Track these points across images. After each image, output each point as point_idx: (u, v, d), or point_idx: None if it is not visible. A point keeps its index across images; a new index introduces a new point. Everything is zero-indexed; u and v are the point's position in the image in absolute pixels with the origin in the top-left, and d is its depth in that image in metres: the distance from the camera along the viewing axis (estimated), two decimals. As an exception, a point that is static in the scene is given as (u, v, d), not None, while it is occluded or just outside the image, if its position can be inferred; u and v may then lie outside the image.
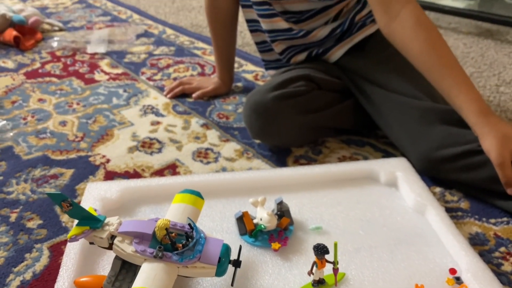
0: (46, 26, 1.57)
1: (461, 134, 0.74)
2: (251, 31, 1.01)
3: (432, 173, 0.78)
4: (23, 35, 1.44)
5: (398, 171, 0.74)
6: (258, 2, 0.90)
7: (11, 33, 1.42)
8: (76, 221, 0.56)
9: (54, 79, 1.21)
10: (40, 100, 1.10)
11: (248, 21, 0.99)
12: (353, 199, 0.72)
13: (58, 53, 1.38)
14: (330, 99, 0.88)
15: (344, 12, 0.92)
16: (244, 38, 1.45)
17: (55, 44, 1.41)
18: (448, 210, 0.73)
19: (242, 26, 1.01)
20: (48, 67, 1.29)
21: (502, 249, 0.66)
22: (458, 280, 0.57)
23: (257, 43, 1.03)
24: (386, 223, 0.67)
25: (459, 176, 0.74)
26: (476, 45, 1.40)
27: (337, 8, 0.91)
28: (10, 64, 1.31)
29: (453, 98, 0.73)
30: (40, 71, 1.26)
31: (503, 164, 0.67)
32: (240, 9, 1.00)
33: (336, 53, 0.93)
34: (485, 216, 0.72)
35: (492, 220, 0.71)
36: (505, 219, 0.71)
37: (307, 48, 0.96)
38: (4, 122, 0.98)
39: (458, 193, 0.77)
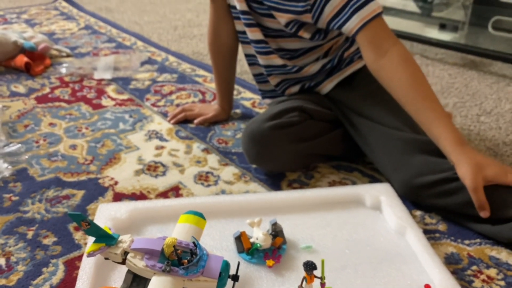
0: (54, 52, 1.66)
1: (438, 163, 0.82)
2: (249, 64, 1.10)
3: (413, 198, 0.85)
4: (33, 61, 1.52)
5: (382, 196, 0.82)
6: (256, 40, 0.99)
7: (22, 59, 1.50)
8: (91, 239, 0.63)
9: (63, 104, 1.29)
10: (51, 124, 1.18)
11: (247, 55, 1.08)
12: (341, 221, 0.79)
13: (67, 79, 1.46)
14: (321, 128, 0.96)
15: (333, 49, 1.01)
16: (243, 67, 1.54)
17: (63, 70, 1.49)
18: (427, 232, 0.80)
19: (241, 55, 1.10)
20: (57, 92, 1.37)
21: (474, 267, 0.73)
22: (432, 294, 0.64)
23: (254, 75, 1.12)
24: (370, 243, 0.75)
25: (437, 201, 0.82)
26: (460, 76, 1.49)
27: (327, 46, 1.00)
28: (21, 89, 1.39)
29: (431, 129, 0.81)
30: (50, 96, 1.34)
31: (477, 189, 0.75)
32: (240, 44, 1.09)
33: (327, 86, 1.02)
34: (460, 237, 0.79)
35: (466, 241, 0.78)
36: (478, 240, 0.78)
37: (300, 81, 1.04)
38: (19, 145, 1.05)
39: (436, 216, 0.84)
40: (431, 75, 1.50)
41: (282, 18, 0.92)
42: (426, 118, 0.82)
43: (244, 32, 1.01)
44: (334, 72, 1.02)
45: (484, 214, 0.76)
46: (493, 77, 1.48)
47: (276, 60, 1.00)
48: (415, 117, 0.84)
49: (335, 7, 0.86)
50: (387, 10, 2.13)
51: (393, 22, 1.97)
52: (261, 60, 1.02)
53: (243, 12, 0.97)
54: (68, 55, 1.67)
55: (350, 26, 0.86)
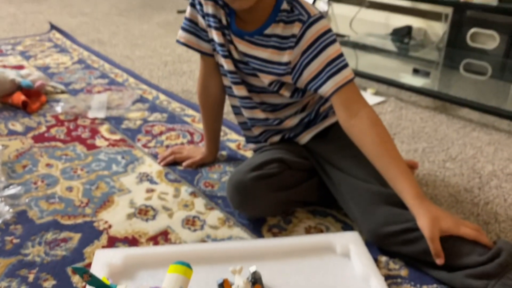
0: (49, 89, 1.74)
1: (402, 214, 0.92)
2: (235, 113, 1.20)
3: (379, 245, 0.95)
4: (29, 98, 1.61)
5: (351, 244, 0.92)
6: (241, 96, 1.09)
7: (19, 97, 1.58)
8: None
9: (59, 144, 1.37)
10: (48, 165, 1.26)
11: (233, 106, 1.18)
12: (313, 267, 0.89)
13: (62, 117, 1.54)
14: (298, 177, 1.06)
15: (310, 104, 1.12)
16: (229, 107, 1.64)
17: (59, 109, 1.57)
18: (390, 277, 0.90)
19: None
20: (53, 131, 1.45)
21: (430, 312, 0.83)
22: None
23: (239, 123, 1.22)
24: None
25: (401, 249, 0.92)
26: (431, 120, 1.61)
27: (304, 101, 1.11)
28: (18, 127, 1.47)
29: (395, 184, 0.92)
30: (46, 135, 1.42)
31: (433, 239, 0.85)
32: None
33: (305, 138, 1.12)
34: (419, 282, 0.89)
35: (424, 286, 0.88)
36: (434, 285, 0.88)
37: (280, 131, 1.14)
38: (19, 187, 1.13)
39: (400, 262, 0.94)
40: (404, 119, 1.61)
41: (266, 79, 1.03)
42: (391, 174, 0.92)
43: (230, 87, 1.11)
44: (311, 125, 1.13)
45: (440, 261, 0.85)
46: (461, 122, 1.60)
47: (259, 114, 1.11)
48: (381, 172, 0.94)
49: (312, 72, 0.97)
50: (367, 48, 2.27)
51: (371, 61, 2.11)
52: (245, 113, 1.12)
53: (230, 72, 1.07)
54: (62, 92, 1.75)
55: (325, 89, 0.97)
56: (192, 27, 1.08)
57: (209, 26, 1.04)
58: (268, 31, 0.99)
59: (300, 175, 1.07)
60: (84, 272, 0.69)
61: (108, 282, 0.71)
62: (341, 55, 0.96)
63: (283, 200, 1.04)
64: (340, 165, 1.04)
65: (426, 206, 0.88)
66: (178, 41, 1.11)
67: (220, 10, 1.02)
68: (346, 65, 0.96)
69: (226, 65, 1.06)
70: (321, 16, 0.97)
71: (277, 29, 0.98)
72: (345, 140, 1.03)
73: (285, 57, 0.99)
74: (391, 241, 0.93)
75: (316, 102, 1.12)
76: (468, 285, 0.83)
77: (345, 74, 0.96)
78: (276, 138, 1.15)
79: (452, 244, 0.85)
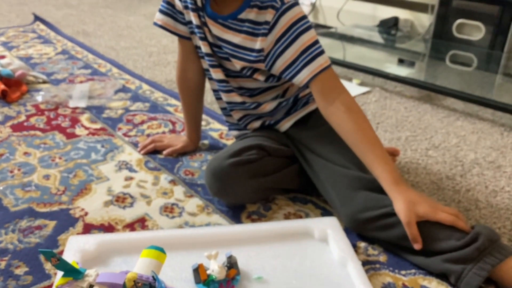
0: (31, 78, 1.71)
1: (380, 199, 0.91)
2: (216, 98, 1.18)
3: (358, 230, 0.94)
4: (9, 87, 1.58)
5: (329, 229, 0.91)
6: (218, 79, 1.08)
7: (-1, 86, 1.56)
8: (60, 272, 0.69)
9: (38, 133, 1.35)
10: (25, 153, 1.24)
11: (214, 90, 1.16)
12: (291, 252, 0.88)
13: (42, 106, 1.52)
14: (278, 164, 1.05)
15: (289, 90, 1.11)
16: (212, 97, 1.62)
17: (39, 98, 1.55)
18: (369, 263, 0.89)
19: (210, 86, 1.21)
20: (32, 120, 1.42)
21: (407, 296, 0.82)
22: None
23: (221, 108, 1.20)
24: (314, 273, 0.83)
25: (379, 234, 0.91)
26: (415, 109, 1.61)
27: (283, 87, 1.10)
28: (-3, 116, 1.44)
29: (373, 169, 0.91)
30: (25, 124, 1.40)
31: (410, 224, 0.84)
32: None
33: (285, 124, 1.11)
34: (397, 268, 0.88)
35: (403, 272, 0.87)
36: (413, 271, 0.88)
37: (260, 117, 1.13)
38: (-6, 175, 1.11)
39: (378, 248, 0.93)
40: (388, 108, 1.61)
41: (238, 64, 1.02)
42: (369, 159, 0.92)
43: (208, 70, 1.10)
44: (291, 112, 1.11)
45: (417, 246, 0.85)
46: (445, 111, 1.60)
47: (236, 98, 1.09)
48: (360, 158, 0.93)
49: (286, 60, 0.96)
50: (354, 40, 2.26)
51: (358, 52, 2.10)
52: (223, 97, 1.11)
53: (207, 54, 1.05)
54: (44, 82, 1.73)
55: (301, 78, 0.96)
56: (170, 10, 1.06)
57: (186, 7, 1.03)
58: (242, 15, 0.97)
59: (279, 162, 1.06)
60: (52, 256, 0.67)
61: (77, 267, 0.69)
62: (316, 42, 0.95)
63: (262, 187, 1.03)
64: (319, 152, 1.03)
65: (403, 190, 0.87)
66: (155, 24, 1.10)
67: None
68: (321, 52, 0.95)
69: (203, 47, 1.05)
70: (295, 2, 0.95)
71: (250, 14, 0.96)
72: (325, 127, 1.01)
73: (258, 43, 0.97)
74: (370, 227, 0.92)
75: (296, 88, 1.11)
76: (446, 269, 0.83)
77: (320, 62, 0.94)
78: (257, 124, 1.14)
79: (429, 229, 0.85)
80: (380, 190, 0.91)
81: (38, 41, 2.25)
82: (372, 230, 0.92)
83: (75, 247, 0.84)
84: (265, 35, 0.96)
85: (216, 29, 1.01)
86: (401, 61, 1.93)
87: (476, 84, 1.76)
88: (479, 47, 2.02)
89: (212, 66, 1.07)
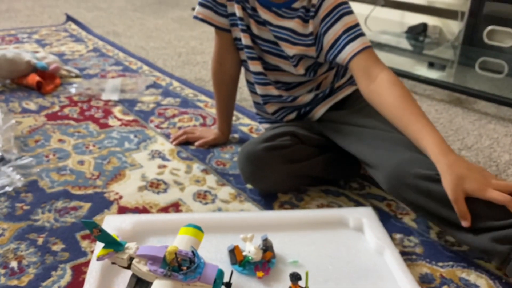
0: (64, 72, 1.75)
1: (426, 160, 0.85)
2: (251, 91, 1.19)
3: (398, 189, 0.88)
4: (44, 80, 1.61)
5: (364, 218, 0.90)
6: (256, 72, 1.08)
7: (34, 78, 1.59)
8: (99, 245, 0.70)
9: (72, 122, 1.37)
10: (60, 140, 1.26)
11: (249, 83, 1.17)
12: (325, 240, 0.87)
13: (75, 98, 1.55)
14: (310, 152, 1.05)
15: (323, 83, 1.12)
16: (242, 94, 1.63)
17: (73, 90, 1.58)
18: (405, 254, 0.87)
19: (241, 83, 1.21)
20: (66, 110, 1.45)
21: (445, 287, 0.80)
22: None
23: (254, 102, 1.21)
24: (350, 260, 0.82)
25: (418, 198, 0.85)
26: (446, 112, 1.59)
27: (318, 80, 1.10)
28: (32, 106, 1.47)
29: (419, 141, 0.86)
30: (59, 114, 1.43)
31: (457, 200, 0.78)
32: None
33: (320, 110, 1.12)
34: (434, 260, 0.87)
35: (440, 264, 0.86)
36: (450, 263, 0.86)
37: (295, 109, 1.13)
38: (30, 158, 1.13)
39: (415, 239, 0.92)
40: (418, 110, 1.59)
41: (291, 49, 1.03)
42: (413, 131, 0.86)
43: (246, 61, 1.11)
44: (326, 98, 1.12)
45: (465, 223, 0.79)
46: (476, 115, 1.58)
47: (273, 91, 1.10)
48: (404, 132, 0.89)
49: (330, 39, 0.98)
50: (382, 46, 2.26)
51: (386, 58, 2.09)
52: (259, 90, 1.11)
53: (247, 46, 1.06)
54: (77, 76, 1.76)
55: (343, 56, 0.96)
56: (210, 2, 1.08)
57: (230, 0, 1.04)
58: (295, 4, 1.00)
59: (311, 150, 1.06)
60: (94, 227, 0.67)
61: (118, 239, 0.70)
62: (357, 24, 0.97)
63: (294, 173, 1.03)
64: (361, 123, 1.02)
65: (452, 162, 0.80)
66: (196, 17, 1.11)
67: None
68: (363, 33, 0.97)
69: (244, 39, 1.06)
70: None
71: (303, 1, 1.00)
72: (364, 104, 1.02)
73: (309, 27, 1.00)
74: (412, 185, 0.85)
75: (330, 81, 1.11)
76: (491, 249, 0.78)
77: (363, 41, 0.96)
78: (292, 115, 1.14)
79: (476, 205, 0.78)
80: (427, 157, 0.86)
81: (70, 39, 2.30)
82: (413, 191, 0.85)
83: (112, 226, 0.85)
84: (313, 17, 0.99)
85: (269, 16, 1.02)
86: (431, 65, 1.92)
87: (507, 89, 1.74)
88: (510, 53, 2.00)
89: (251, 58, 1.08)
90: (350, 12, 0.97)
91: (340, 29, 0.96)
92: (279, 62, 1.07)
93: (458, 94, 1.71)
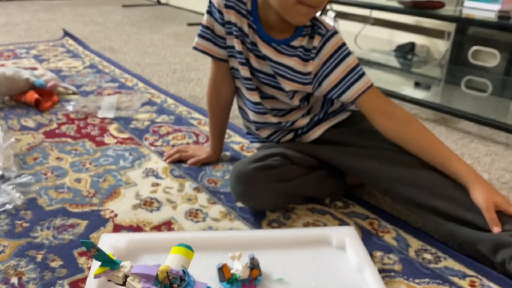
0: (61, 89, 1.80)
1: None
2: (243, 117, 1.24)
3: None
4: (42, 97, 1.66)
5: (347, 237, 0.95)
6: (254, 102, 1.13)
7: (32, 96, 1.64)
8: (95, 263, 0.75)
9: (69, 140, 1.42)
10: (58, 158, 1.31)
11: (241, 108, 1.23)
12: (309, 258, 0.92)
13: (72, 116, 1.60)
14: (299, 172, 1.10)
15: (314, 107, 1.18)
16: (234, 111, 1.67)
17: (70, 108, 1.63)
18: (385, 271, 0.93)
19: (234, 101, 1.27)
20: (64, 128, 1.50)
21: (420, 303, 0.86)
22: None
23: (246, 126, 1.26)
24: (333, 277, 0.87)
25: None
26: (431, 130, 1.65)
27: (306, 107, 1.16)
28: (31, 123, 1.52)
29: (448, 167, 0.99)
30: (57, 131, 1.47)
31: (489, 208, 0.91)
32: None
33: (317, 132, 1.17)
34: (412, 277, 0.92)
35: (417, 280, 0.91)
36: (426, 279, 0.91)
37: (292, 130, 1.19)
38: (30, 177, 1.18)
39: (394, 257, 0.97)
40: (404, 129, 1.65)
41: (288, 86, 1.08)
42: (441, 160, 1.00)
43: (240, 89, 1.16)
44: (323, 120, 1.18)
45: (497, 229, 0.91)
46: (459, 134, 1.64)
47: (271, 119, 1.15)
48: (432, 162, 1.01)
49: (333, 80, 1.06)
50: (371, 64, 2.33)
51: (375, 76, 2.16)
52: (256, 118, 1.16)
53: (245, 78, 1.11)
54: (74, 93, 1.81)
55: (349, 95, 1.05)
56: (209, 34, 1.12)
57: (230, 33, 1.09)
58: (294, 43, 1.06)
59: (301, 170, 1.10)
60: (92, 246, 0.72)
61: (114, 258, 0.75)
62: (358, 64, 1.05)
63: (283, 192, 1.08)
64: (365, 144, 1.10)
65: (482, 180, 0.96)
66: (195, 48, 1.15)
67: (243, 19, 1.07)
68: (364, 73, 1.05)
69: (243, 71, 1.10)
70: (336, 31, 1.06)
71: (303, 41, 1.06)
72: (363, 124, 1.12)
73: (308, 67, 1.06)
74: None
75: (321, 105, 1.18)
76: (499, 242, 0.88)
77: (366, 80, 1.05)
78: (289, 136, 1.19)
79: (501, 218, 0.92)
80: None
81: (67, 55, 2.35)
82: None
83: (107, 244, 0.89)
84: (313, 59, 1.05)
85: (269, 52, 1.07)
86: (417, 84, 1.99)
87: (490, 109, 1.81)
88: (494, 73, 2.07)
89: (249, 89, 1.13)
90: (350, 53, 1.05)
91: (344, 70, 1.04)
92: (276, 93, 1.12)
93: (442, 114, 1.77)
